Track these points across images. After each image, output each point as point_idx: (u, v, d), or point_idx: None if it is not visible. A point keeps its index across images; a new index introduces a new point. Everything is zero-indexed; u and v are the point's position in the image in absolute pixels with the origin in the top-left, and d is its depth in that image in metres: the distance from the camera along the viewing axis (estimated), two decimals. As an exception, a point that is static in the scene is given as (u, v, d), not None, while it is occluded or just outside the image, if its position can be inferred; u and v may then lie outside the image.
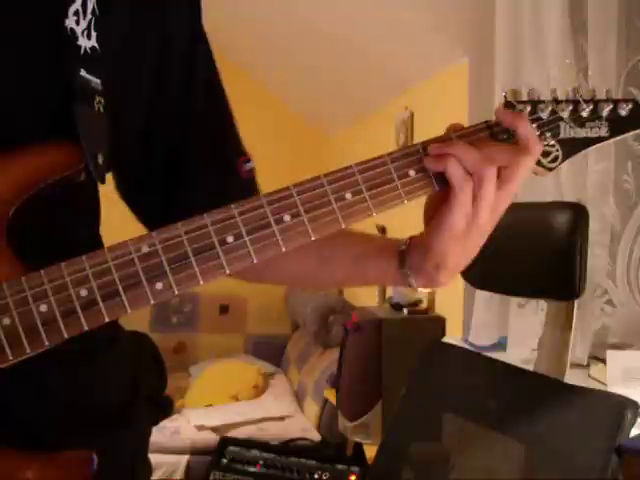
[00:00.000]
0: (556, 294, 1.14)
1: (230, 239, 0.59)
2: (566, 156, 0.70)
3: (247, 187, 0.80)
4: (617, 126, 0.71)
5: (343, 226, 0.64)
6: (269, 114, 4.39)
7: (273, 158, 4.37)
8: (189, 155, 0.76)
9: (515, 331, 1.76)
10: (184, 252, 0.58)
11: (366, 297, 3.07)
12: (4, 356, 0.55)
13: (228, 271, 0.59)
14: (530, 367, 1.19)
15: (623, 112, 0.71)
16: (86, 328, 0.56)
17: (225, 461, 2.58)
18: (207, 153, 0.77)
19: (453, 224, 0.65)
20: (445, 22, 2.30)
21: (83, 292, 0.56)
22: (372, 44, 2.83)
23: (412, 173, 0.65)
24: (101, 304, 0.56)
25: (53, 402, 0.65)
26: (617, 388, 1.30)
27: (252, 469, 2.55)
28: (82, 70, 0.63)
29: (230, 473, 2.53)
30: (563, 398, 1.06)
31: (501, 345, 1.82)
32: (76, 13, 0.63)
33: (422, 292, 2.73)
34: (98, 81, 0.64)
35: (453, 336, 2.19)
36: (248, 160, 0.80)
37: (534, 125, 0.69)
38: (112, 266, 0.57)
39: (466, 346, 1.78)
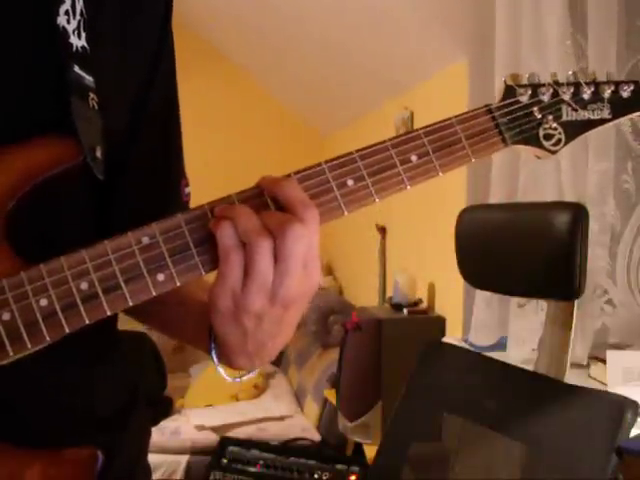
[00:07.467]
0: (556, 294, 1.14)
1: None
2: (569, 138, 0.70)
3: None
4: (619, 108, 0.71)
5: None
6: (266, 114, 4.38)
7: (271, 159, 4.35)
8: (134, 166, 0.72)
9: (515, 331, 1.76)
10: (185, 243, 0.57)
11: (366, 297, 3.07)
12: (4, 352, 0.54)
13: None
14: (530, 367, 1.18)
15: (625, 94, 0.71)
16: (87, 321, 0.55)
17: (225, 461, 2.58)
18: (154, 168, 0.75)
19: (215, 300, 0.56)
20: (445, 22, 2.30)
21: (84, 285, 0.55)
22: (372, 44, 2.83)
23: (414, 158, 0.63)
24: (102, 297, 0.55)
25: (53, 403, 0.65)
26: (617, 388, 1.30)
27: (252, 469, 2.54)
28: (75, 66, 0.62)
29: (230, 473, 2.53)
30: (563, 398, 1.06)
31: (501, 345, 1.82)
32: (66, 13, 0.63)
33: (422, 292, 2.73)
34: (91, 79, 0.64)
35: (453, 336, 2.19)
36: (187, 184, 0.79)
37: (534, 108, 0.68)
38: (112, 259, 0.56)
39: (466, 346, 1.78)
